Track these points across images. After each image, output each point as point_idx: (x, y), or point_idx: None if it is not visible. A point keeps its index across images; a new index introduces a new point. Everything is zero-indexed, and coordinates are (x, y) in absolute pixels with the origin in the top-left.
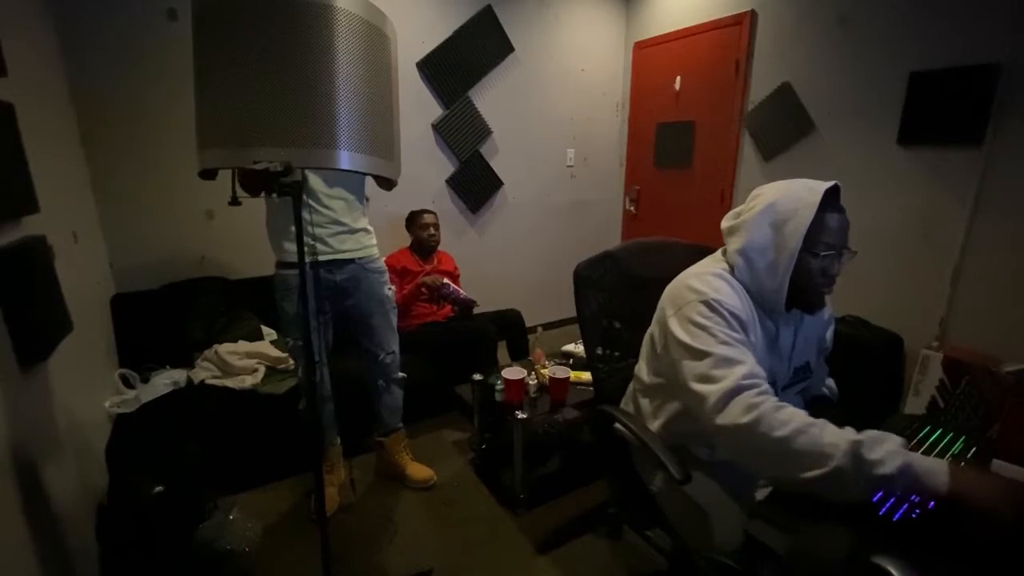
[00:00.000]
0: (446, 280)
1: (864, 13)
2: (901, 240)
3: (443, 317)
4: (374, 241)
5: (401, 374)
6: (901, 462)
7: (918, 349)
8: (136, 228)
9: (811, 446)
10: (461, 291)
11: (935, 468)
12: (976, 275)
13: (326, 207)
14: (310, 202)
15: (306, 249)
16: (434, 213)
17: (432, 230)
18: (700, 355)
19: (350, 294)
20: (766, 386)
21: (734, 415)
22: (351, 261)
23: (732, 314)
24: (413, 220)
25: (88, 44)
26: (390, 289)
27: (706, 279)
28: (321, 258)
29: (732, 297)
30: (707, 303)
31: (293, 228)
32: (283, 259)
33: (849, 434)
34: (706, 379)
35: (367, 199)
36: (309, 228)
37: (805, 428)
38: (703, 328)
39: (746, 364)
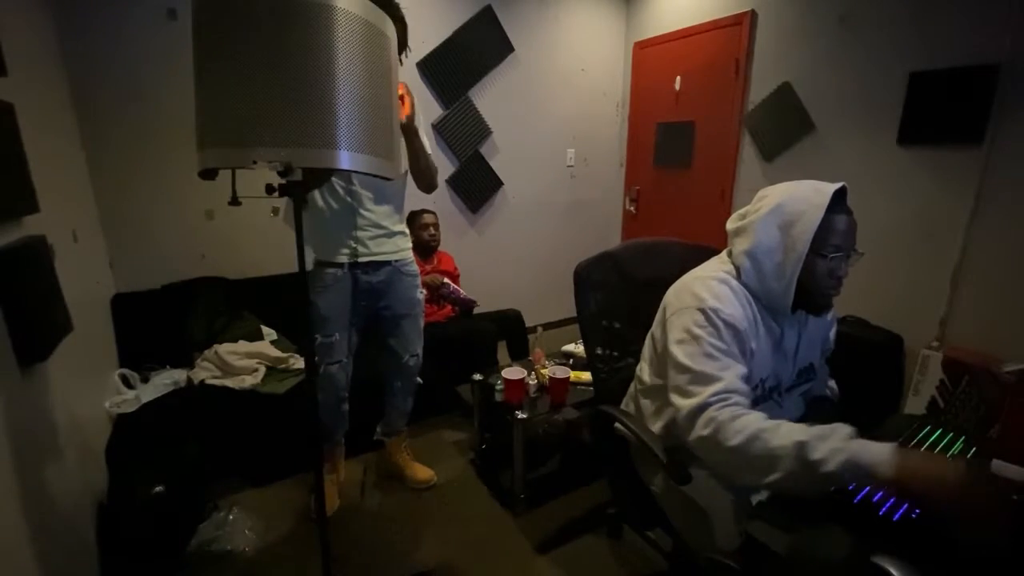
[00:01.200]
0: (446, 280)
1: (864, 13)
2: (901, 240)
3: (443, 317)
4: (409, 244)
5: (419, 379)
6: (843, 459)
7: (918, 349)
8: (136, 228)
9: (763, 452)
10: (461, 291)
11: (879, 458)
12: (976, 275)
13: (369, 211)
14: (355, 205)
15: (347, 251)
16: (434, 213)
17: (432, 230)
18: (682, 369)
19: (383, 296)
20: (736, 398)
21: (697, 429)
22: (387, 263)
23: (728, 324)
24: (413, 220)
25: (88, 44)
26: (421, 292)
27: (710, 284)
28: (360, 260)
29: (732, 305)
30: (704, 311)
31: (335, 229)
32: (322, 258)
33: (795, 434)
34: (682, 392)
35: None
36: (354, 231)
37: (758, 434)
38: (695, 338)
39: (723, 380)
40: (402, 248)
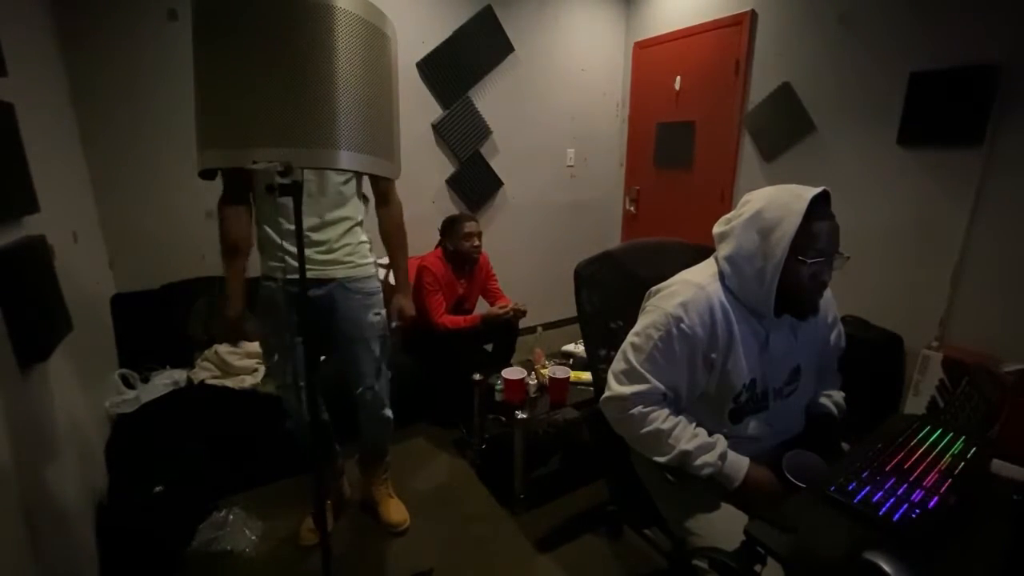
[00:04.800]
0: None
1: (864, 13)
2: (901, 240)
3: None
4: (367, 260)
5: (387, 412)
6: (712, 471)
7: (918, 349)
8: (136, 228)
9: (657, 447)
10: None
11: (734, 474)
12: (976, 275)
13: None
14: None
15: (280, 265)
16: (476, 220)
17: (477, 240)
18: (625, 360)
19: (329, 314)
20: (655, 398)
21: (615, 412)
22: (330, 279)
23: (684, 334)
24: (453, 227)
25: (88, 44)
26: (376, 314)
27: (689, 289)
28: (290, 276)
29: (701, 314)
30: (667, 317)
31: (268, 239)
32: (262, 269)
33: (684, 442)
34: (616, 378)
35: (366, 199)
36: (278, 240)
37: (658, 434)
38: (648, 338)
39: (650, 384)
40: (353, 264)
